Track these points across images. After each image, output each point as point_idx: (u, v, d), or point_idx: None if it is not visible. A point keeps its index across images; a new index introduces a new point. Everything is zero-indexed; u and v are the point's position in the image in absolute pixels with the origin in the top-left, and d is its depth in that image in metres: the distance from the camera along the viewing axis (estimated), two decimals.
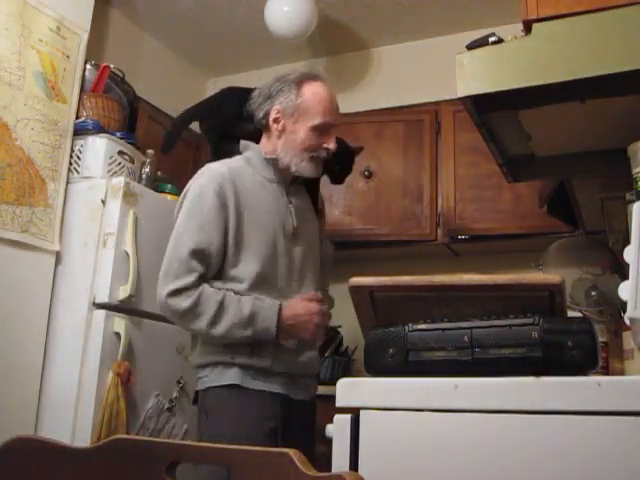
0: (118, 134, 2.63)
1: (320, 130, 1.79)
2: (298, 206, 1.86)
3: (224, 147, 1.99)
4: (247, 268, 1.73)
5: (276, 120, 1.81)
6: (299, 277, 1.82)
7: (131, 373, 2.32)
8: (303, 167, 1.81)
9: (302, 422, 1.81)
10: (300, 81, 1.82)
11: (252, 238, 1.75)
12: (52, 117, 2.51)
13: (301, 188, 1.92)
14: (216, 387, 1.75)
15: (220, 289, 1.70)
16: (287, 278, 1.78)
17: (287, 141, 1.80)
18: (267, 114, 1.82)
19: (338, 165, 2.04)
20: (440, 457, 0.95)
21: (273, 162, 1.83)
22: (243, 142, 1.90)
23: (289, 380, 1.77)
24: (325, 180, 2.09)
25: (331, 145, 1.81)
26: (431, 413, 0.97)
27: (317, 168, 1.83)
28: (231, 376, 1.74)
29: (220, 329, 1.67)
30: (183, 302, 1.66)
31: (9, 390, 2.25)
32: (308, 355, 1.82)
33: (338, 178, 2.09)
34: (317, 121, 1.78)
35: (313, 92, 1.81)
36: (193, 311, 1.67)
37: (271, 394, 1.74)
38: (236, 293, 1.71)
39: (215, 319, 1.66)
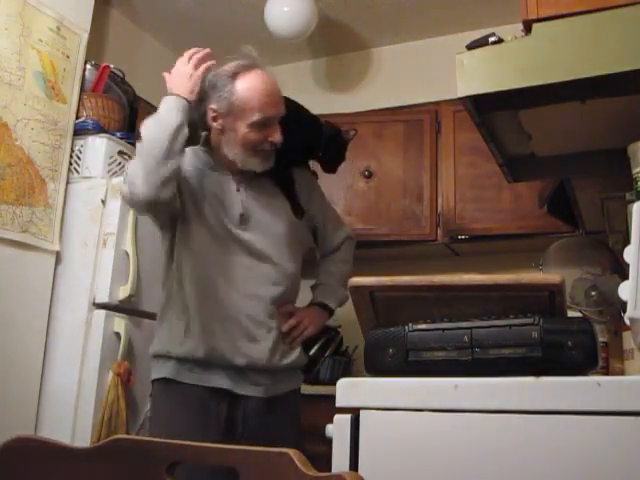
0: (118, 134, 2.64)
1: (260, 125, 1.70)
2: (251, 194, 1.79)
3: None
4: (189, 242, 1.74)
5: (214, 119, 1.74)
6: (251, 263, 1.74)
7: (131, 373, 2.32)
8: (249, 162, 1.75)
9: (257, 422, 1.70)
10: (234, 74, 1.71)
11: (191, 216, 1.74)
12: (52, 117, 2.51)
13: (259, 177, 1.81)
14: (157, 380, 1.74)
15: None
16: (230, 260, 1.73)
17: (229, 139, 1.74)
18: (204, 113, 1.76)
19: (328, 153, 1.96)
20: (440, 457, 0.95)
21: (210, 152, 1.80)
22: (204, 133, 1.87)
23: (233, 373, 1.69)
24: (327, 176, 2.07)
25: (275, 138, 1.72)
26: (431, 413, 0.97)
27: (265, 161, 1.76)
28: (167, 369, 1.72)
29: (145, 144, 1.64)
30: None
31: (9, 390, 2.25)
32: (258, 347, 1.71)
33: (330, 167, 2.01)
34: (255, 117, 1.69)
35: (247, 87, 1.70)
36: (132, 172, 1.65)
37: (211, 390, 1.68)
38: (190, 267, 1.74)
39: (139, 151, 1.65)
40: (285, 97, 1.86)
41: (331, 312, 1.94)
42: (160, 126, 1.65)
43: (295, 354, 1.82)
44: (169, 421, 1.69)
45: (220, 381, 1.69)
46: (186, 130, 1.67)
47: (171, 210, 1.73)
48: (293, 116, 1.84)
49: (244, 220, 1.76)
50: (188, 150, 1.81)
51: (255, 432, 1.68)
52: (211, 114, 1.73)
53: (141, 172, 1.62)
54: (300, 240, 1.90)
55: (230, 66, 1.73)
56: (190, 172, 1.78)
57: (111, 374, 2.28)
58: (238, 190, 1.79)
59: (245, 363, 1.70)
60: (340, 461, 0.98)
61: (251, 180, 1.81)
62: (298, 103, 1.96)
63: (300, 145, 1.91)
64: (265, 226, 1.79)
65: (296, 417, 1.81)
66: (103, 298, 2.37)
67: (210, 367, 1.69)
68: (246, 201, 1.78)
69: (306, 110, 1.98)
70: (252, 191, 1.81)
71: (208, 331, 1.69)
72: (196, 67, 1.72)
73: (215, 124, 1.74)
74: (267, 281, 1.76)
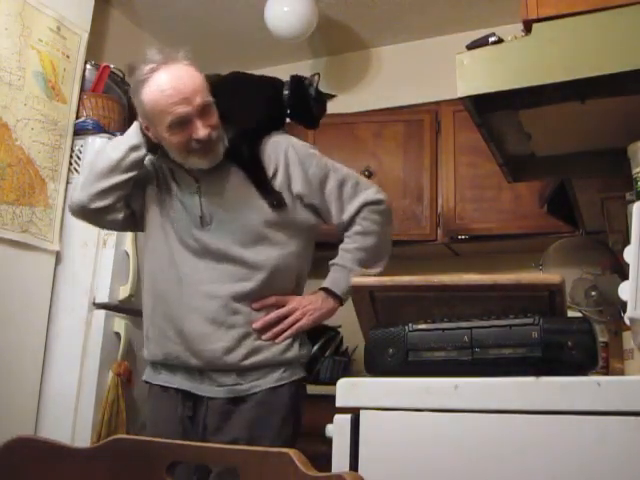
0: (118, 134, 2.62)
1: (178, 125, 1.61)
2: (211, 193, 1.72)
3: None
4: (150, 248, 1.79)
5: (146, 129, 1.69)
6: (215, 264, 1.68)
7: (131, 373, 2.32)
8: (191, 163, 1.69)
9: (216, 424, 1.65)
10: (139, 83, 1.64)
11: (156, 222, 1.76)
12: (52, 117, 2.51)
13: (223, 169, 1.72)
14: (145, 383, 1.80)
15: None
16: (191, 262, 1.69)
17: (165, 145, 1.70)
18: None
19: (298, 108, 1.85)
20: (440, 457, 0.95)
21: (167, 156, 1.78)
22: None
23: (196, 374, 1.67)
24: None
25: (198, 134, 1.61)
26: (431, 413, 0.97)
27: (205, 158, 1.66)
28: (146, 372, 1.78)
29: (83, 176, 1.76)
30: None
31: (9, 390, 2.25)
32: (214, 347, 1.64)
33: (309, 122, 1.90)
34: (169, 120, 1.60)
35: (152, 90, 1.61)
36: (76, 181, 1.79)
37: (177, 391, 1.69)
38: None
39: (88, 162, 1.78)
40: (233, 73, 1.84)
41: (341, 299, 1.73)
42: (114, 144, 1.76)
43: (273, 350, 1.66)
44: (149, 422, 1.77)
45: (182, 382, 1.69)
46: (142, 152, 1.71)
47: (113, 218, 1.76)
48: (245, 89, 1.80)
49: (205, 222, 1.70)
50: (156, 158, 1.81)
51: (212, 433, 1.65)
52: (144, 124, 1.70)
53: (81, 181, 1.75)
54: (285, 226, 1.72)
55: (135, 75, 1.68)
56: (157, 178, 1.79)
57: (111, 374, 2.29)
58: (197, 191, 1.73)
59: (200, 364, 1.66)
60: (340, 461, 0.98)
61: (212, 176, 1.72)
62: (247, 74, 1.87)
63: (265, 115, 1.82)
64: (229, 224, 1.70)
65: (275, 416, 1.65)
66: (103, 298, 2.37)
67: (174, 368, 1.70)
68: (206, 201, 1.72)
69: (261, 77, 1.87)
70: (213, 189, 1.73)
71: (163, 334, 1.70)
72: None
73: (149, 134, 1.70)
74: (230, 279, 1.67)
